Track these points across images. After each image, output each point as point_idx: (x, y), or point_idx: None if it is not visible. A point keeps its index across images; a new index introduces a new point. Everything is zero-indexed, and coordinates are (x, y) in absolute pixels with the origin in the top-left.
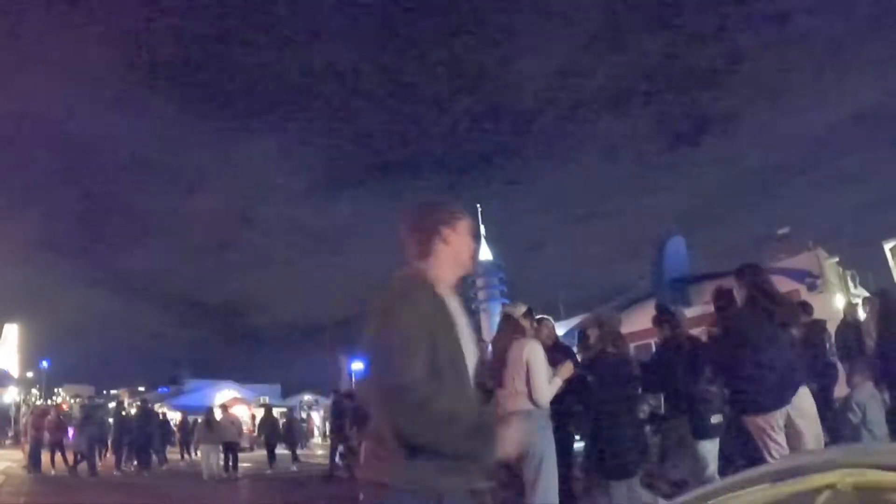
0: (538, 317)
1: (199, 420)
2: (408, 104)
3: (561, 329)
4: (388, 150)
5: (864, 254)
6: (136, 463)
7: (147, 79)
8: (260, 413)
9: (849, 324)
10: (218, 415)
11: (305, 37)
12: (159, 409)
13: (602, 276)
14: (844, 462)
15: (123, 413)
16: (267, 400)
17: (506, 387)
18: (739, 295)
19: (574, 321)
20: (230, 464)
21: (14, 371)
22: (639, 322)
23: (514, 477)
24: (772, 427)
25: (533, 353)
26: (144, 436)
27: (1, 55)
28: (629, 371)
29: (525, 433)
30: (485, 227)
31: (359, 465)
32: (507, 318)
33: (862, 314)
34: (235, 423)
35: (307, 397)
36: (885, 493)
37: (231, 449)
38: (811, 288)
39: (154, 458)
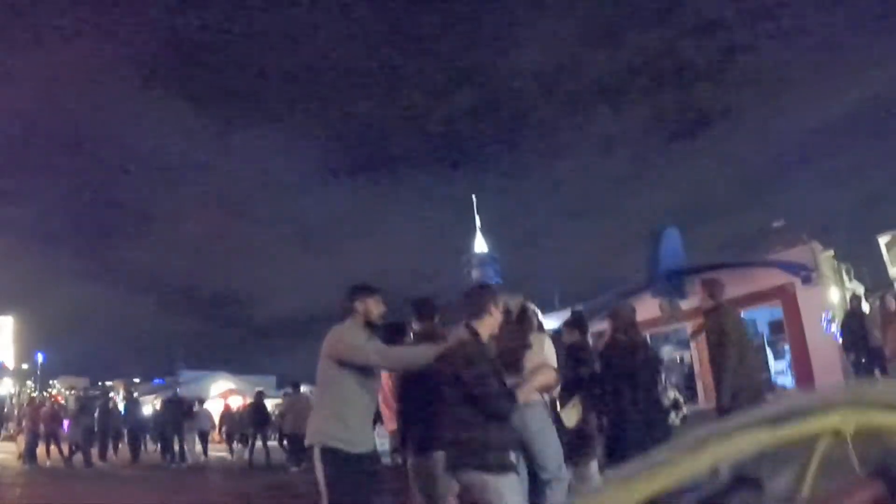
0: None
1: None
2: (405, 97)
3: (556, 321)
4: (385, 142)
5: (859, 247)
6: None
7: (142, 73)
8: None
9: (855, 315)
10: (196, 407)
11: (302, 30)
12: (153, 400)
13: (597, 268)
14: (847, 401)
15: (111, 405)
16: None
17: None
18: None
19: (569, 313)
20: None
21: (9, 363)
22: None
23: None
24: None
25: (549, 347)
26: (134, 427)
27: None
28: (642, 356)
29: (533, 421)
30: (480, 219)
31: None
32: (523, 311)
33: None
34: (208, 415)
35: (302, 389)
36: (892, 435)
37: (203, 437)
38: (806, 281)
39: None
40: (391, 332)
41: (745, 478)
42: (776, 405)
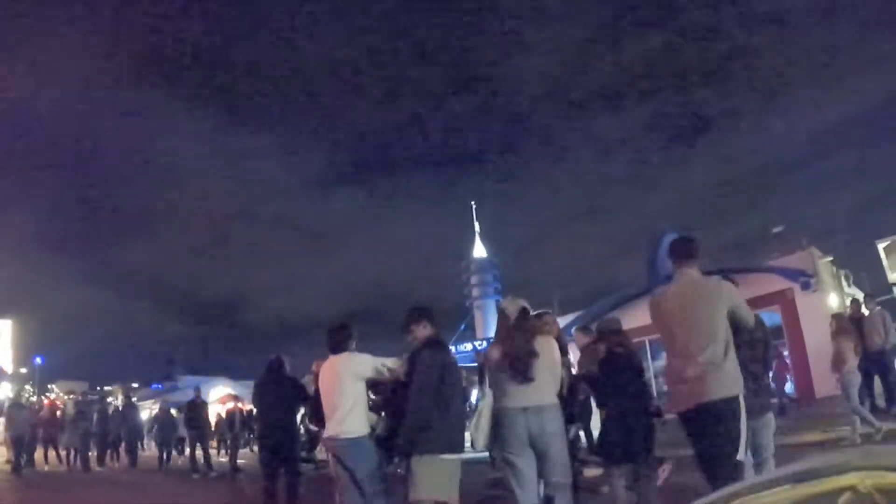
0: (540, 311)
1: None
2: (404, 101)
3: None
4: (383, 146)
5: (858, 253)
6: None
7: (142, 75)
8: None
9: (854, 320)
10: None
11: (301, 33)
12: (151, 405)
13: (597, 273)
14: (864, 464)
15: (109, 410)
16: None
17: (536, 380)
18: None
19: (569, 318)
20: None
21: (8, 367)
22: (633, 319)
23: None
24: None
25: (556, 350)
26: (134, 432)
27: None
28: (639, 365)
29: (550, 423)
30: (479, 224)
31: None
32: (536, 314)
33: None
34: None
35: None
36: None
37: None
38: (805, 287)
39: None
40: (337, 332)
41: None
42: (799, 464)
